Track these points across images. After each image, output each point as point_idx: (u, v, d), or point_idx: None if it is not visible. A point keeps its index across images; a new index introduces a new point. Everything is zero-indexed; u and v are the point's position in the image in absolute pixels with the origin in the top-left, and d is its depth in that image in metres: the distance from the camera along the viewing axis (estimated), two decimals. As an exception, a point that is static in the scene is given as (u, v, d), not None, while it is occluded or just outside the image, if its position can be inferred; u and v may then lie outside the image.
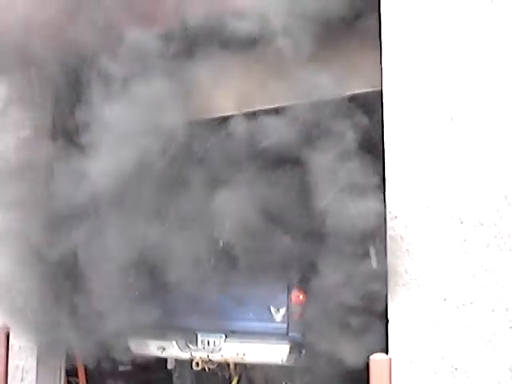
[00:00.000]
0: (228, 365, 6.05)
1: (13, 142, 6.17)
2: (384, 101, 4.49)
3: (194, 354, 5.58)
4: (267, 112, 5.15)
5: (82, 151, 5.16)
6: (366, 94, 4.86)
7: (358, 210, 4.41)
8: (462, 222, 4.09)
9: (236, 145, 5.02)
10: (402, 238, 4.28)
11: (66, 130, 5.73)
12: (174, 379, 6.48)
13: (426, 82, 4.36)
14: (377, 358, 3.85)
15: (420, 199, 4.25)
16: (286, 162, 5.18)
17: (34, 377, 6.07)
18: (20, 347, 6.06)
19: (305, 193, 4.82)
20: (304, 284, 5.32)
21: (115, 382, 6.90)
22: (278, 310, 5.30)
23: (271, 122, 4.87)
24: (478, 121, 4.15)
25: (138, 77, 5.01)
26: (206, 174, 5.20)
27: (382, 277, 4.36)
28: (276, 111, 5.07)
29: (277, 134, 4.74)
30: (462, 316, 3.99)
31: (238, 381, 6.49)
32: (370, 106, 4.62)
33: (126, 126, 4.92)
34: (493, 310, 3.90)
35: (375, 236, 4.54)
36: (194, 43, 5.10)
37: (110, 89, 4.98)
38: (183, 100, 5.16)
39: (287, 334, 5.26)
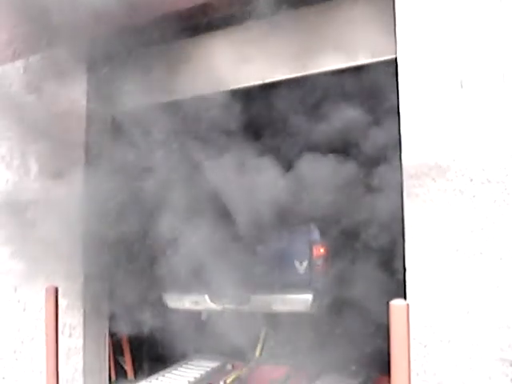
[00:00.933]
0: (255, 316, 6.57)
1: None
2: (399, 68, 4.82)
3: (225, 306, 6.04)
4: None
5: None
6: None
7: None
8: (471, 180, 4.46)
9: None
10: (416, 196, 4.67)
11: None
12: (208, 329, 6.97)
13: (438, 48, 4.68)
14: (396, 304, 4.25)
15: (432, 158, 4.62)
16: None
17: (82, 332, 6.56)
18: (68, 305, 6.53)
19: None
20: (324, 239, 5.76)
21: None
22: (302, 263, 5.72)
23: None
24: (487, 84, 4.47)
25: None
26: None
27: (399, 231, 4.78)
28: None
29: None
30: (473, 265, 4.41)
31: (267, 330, 7.01)
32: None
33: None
34: (500, 259, 4.30)
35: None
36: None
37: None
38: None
39: (310, 284, 5.69)
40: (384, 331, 6.51)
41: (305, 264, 5.67)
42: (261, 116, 6.23)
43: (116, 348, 7.26)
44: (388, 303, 4.30)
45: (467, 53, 4.57)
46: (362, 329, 6.26)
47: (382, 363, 6.17)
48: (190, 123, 5.94)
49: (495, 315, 4.31)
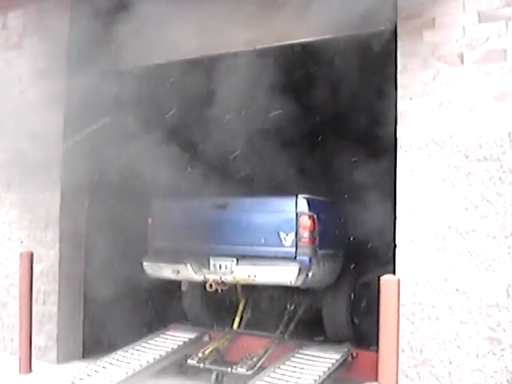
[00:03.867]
0: (235, 288, 6.55)
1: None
2: (398, 39, 4.77)
3: (207, 276, 6.00)
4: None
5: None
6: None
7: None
8: (467, 157, 4.48)
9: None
10: (411, 171, 4.66)
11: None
12: (187, 301, 6.95)
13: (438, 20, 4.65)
14: (386, 279, 4.28)
15: (428, 135, 4.62)
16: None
17: (56, 299, 6.47)
18: (42, 271, 6.42)
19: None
20: (311, 210, 5.73)
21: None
22: (287, 234, 5.70)
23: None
24: (488, 59, 4.46)
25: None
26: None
27: (390, 204, 4.79)
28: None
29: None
30: (465, 242, 4.44)
31: (245, 302, 7.00)
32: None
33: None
34: (493, 237, 4.34)
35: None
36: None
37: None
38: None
39: (295, 257, 5.68)
40: (367, 307, 6.66)
41: (290, 236, 5.65)
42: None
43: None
44: (379, 278, 4.35)
45: (469, 26, 4.54)
46: (344, 303, 6.31)
47: (364, 337, 6.34)
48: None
49: (485, 294, 4.36)
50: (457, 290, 4.45)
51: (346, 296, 6.31)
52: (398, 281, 4.26)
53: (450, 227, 4.50)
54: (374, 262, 6.13)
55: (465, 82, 4.51)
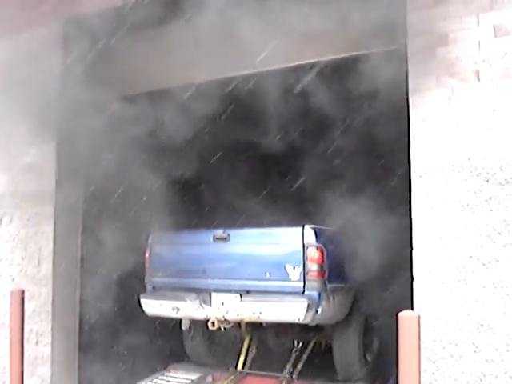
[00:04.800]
0: (239, 325, 6.20)
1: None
2: (409, 56, 4.53)
3: (209, 314, 5.66)
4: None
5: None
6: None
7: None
8: (487, 180, 4.19)
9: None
10: (427, 197, 4.36)
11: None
12: (188, 340, 6.60)
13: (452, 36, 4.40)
14: (405, 315, 3.94)
15: (445, 157, 4.33)
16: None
17: (50, 340, 6.13)
18: (34, 310, 6.09)
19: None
20: (319, 241, 5.42)
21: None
22: (294, 268, 5.38)
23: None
24: (504, 78, 4.20)
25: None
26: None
27: (407, 233, 4.48)
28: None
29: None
30: (488, 273, 4.12)
31: (250, 340, 6.65)
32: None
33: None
34: (519, 267, 4.02)
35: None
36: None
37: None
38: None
39: (303, 292, 5.35)
40: (380, 343, 6.33)
41: (298, 270, 5.33)
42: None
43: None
44: (397, 314, 4.01)
45: (484, 41, 4.29)
46: (356, 340, 5.96)
47: (377, 376, 6.00)
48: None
49: (511, 328, 4.02)
50: (481, 325, 4.12)
51: (357, 332, 5.96)
52: (418, 317, 3.91)
53: (471, 257, 4.18)
54: (387, 295, 5.81)
55: (482, 101, 4.25)
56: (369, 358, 6.11)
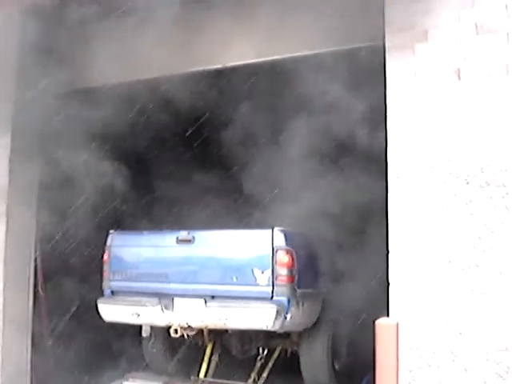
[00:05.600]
0: (202, 331, 5.97)
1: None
2: (387, 54, 4.40)
3: (171, 320, 5.42)
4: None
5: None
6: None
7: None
8: (467, 183, 4.08)
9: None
10: (404, 199, 4.23)
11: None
12: (149, 347, 6.33)
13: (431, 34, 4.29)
14: (382, 323, 3.83)
15: (424, 158, 4.21)
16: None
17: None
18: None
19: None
20: (289, 244, 5.25)
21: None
22: (263, 272, 5.19)
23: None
24: (486, 77, 4.10)
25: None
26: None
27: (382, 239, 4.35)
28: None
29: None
30: (468, 279, 4.01)
31: (213, 347, 6.43)
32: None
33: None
34: (500, 273, 3.92)
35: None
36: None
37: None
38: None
39: (272, 298, 5.16)
40: (349, 351, 6.19)
41: (266, 274, 5.14)
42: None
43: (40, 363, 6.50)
44: (374, 322, 3.88)
45: (465, 38, 4.19)
46: (324, 347, 5.80)
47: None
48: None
49: (492, 337, 3.92)
50: (460, 333, 4.00)
51: (325, 339, 5.80)
52: (397, 325, 3.80)
53: (450, 262, 4.07)
54: (357, 301, 5.67)
55: (463, 100, 4.14)
56: (337, 366, 5.95)
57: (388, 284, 4.23)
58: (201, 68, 5.69)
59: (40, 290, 6.54)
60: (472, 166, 4.07)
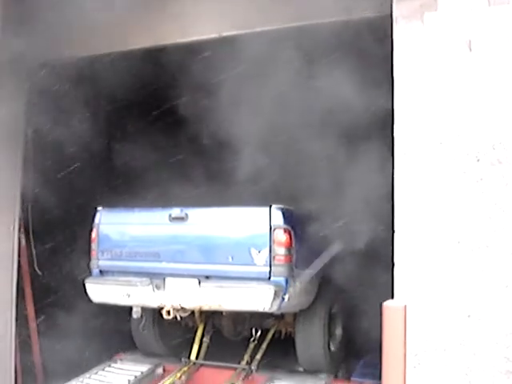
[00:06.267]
0: (193, 313, 5.83)
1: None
2: (394, 23, 4.22)
3: (163, 301, 5.27)
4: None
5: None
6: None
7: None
8: (478, 160, 3.95)
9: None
10: (411, 177, 4.09)
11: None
12: (139, 329, 6.17)
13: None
14: (390, 305, 3.71)
15: (432, 134, 4.07)
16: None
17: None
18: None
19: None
20: (287, 223, 5.10)
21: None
22: (259, 252, 5.04)
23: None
24: (498, 51, 3.95)
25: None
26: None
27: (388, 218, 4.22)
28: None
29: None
30: (477, 260, 3.90)
31: (204, 328, 6.31)
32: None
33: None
34: (511, 254, 3.80)
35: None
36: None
37: None
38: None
39: (269, 278, 5.02)
40: (345, 332, 6.11)
41: (263, 253, 4.99)
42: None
43: (24, 346, 6.32)
44: (381, 304, 3.76)
45: (477, 8, 4.03)
46: (320, 328, 5.70)
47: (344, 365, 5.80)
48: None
49: (501, 319, 3.82)
50: (468, 316, 3.90)
51: (321, 320, 5.69)
52: (404, 308, 3.67)
53: (459, 242, 3.95)
54: (355, 281, 5.57)
55: (474, 73, 3.99)
56: (332, 347, 5.86)
57: (393, 265, 4.11)
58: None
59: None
60: (483, 143, 3.93)
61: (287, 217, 5.08)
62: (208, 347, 6.23)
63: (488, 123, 3.93)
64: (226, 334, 6.29)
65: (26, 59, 5.64)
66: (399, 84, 4.18)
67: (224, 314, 5.91)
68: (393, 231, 4.13)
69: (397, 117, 4.17)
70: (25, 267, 6.39)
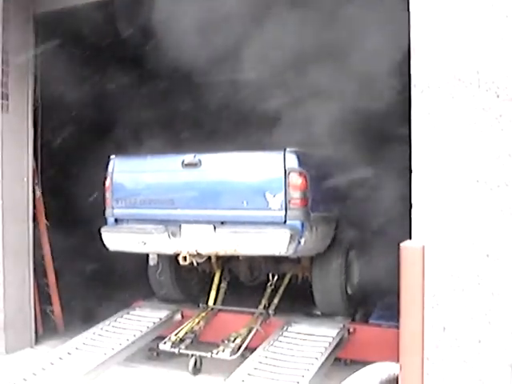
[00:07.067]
0: (209, 259, 5.86)
1: None
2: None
3: (179, 247, 5.28)
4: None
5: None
6: None
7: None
8: (498, 96, 3.82)
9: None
10: (429, 114, 4.00)
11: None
12: (156, 276, 6.23)
13: None
14: (408, 246, 3.67)
15: (450, 70, 3.94)
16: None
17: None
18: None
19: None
20: (302, 166, 5.05)
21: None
22: (274, 196, 5.01)
23: None
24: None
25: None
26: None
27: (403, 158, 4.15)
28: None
29: None
30: (496, 199, 3.82)
31: (221, 274, 6.35)
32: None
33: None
34: (531, 192, 3.74)
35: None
36: None
37: None
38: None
39: (285, 222, 5.00)
40: (362, 275, 6.11)
41: (278, 197, 4.95)
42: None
43: (42, 296, 6.42)
44: (398, 245, 3.73)
45: None
46: (337, 272, 5.71)
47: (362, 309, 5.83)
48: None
49: (521, 259, 3.77)
50: (487, 255, 3.85)
51: (338, 264, 5.70)
52: (423, 248, 3.64)
53: (478, 181, 3.87)
54: (371, 223, 5.54)
55: (493, 4, 3.84)
56: (350, 290, 5.88)
57: (411, 205, 4.06)
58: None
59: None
60: (503, 78, 3.80)
61: (301, 160, 5.02)
62: (225, 293, 6.30)
63: (508, 58, 3.78)
64: (242, 279, 6.34)
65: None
66: (415, 19, 4.04)
67: (240, 259, 5.94)
68: (410, 171, 4.07)
69: (413, 52, 4.03)
70: (41, 218, 6.45)
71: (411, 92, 4.05)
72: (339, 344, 5.22)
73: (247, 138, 5.92)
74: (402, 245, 3.65)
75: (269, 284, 6.08)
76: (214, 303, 6.17)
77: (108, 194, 5.74)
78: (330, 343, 5.09)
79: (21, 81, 6.17)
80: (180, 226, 5.36)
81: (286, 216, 4.99)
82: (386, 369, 4.27)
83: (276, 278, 6.10)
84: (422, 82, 4.01)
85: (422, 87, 4.01)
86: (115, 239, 5.58)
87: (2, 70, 5.86)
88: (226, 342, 5.35)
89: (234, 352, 5.19)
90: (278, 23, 5.50)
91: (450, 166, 3.95)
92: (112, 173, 5.71)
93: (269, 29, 5.61)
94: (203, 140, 6.50)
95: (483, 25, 3.86)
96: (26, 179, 6.13)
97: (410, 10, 4.05)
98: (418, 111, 4.02)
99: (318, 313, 5.92)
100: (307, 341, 5.20)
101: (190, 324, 5.83)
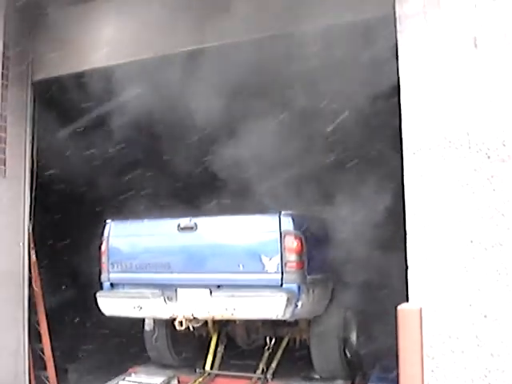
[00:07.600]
0: (206, 323, 5.81)
1: None
2: (397, 23, 4.21)
3: (175, 312, 5.24)
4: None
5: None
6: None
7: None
8: (488, 157, 3.92)
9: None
10: (421, 176, 4.06)
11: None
12: (152, 341, 6.16)
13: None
14: (405, 308, 3.65)
15: (441, 132, 4.04)
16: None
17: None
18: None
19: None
20: (298, 229, 5.06)
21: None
22: (271, 259, 5.01)
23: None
24: (504, 47, 3.93)
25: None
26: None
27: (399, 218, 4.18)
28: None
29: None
30: (491, 259, 3.86)
31: (218, 338, 6.28)
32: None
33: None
34: (526, 252, 3.76)
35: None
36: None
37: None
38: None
39: (281, 285, 4.99)
40: (361, 338, 6.06)
41: (275, 260, 4.96)
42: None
43: (37, 361, 6.32)
44: (395, 308, 3.71)
45: (481, 3, 4.00)
46: (335, 334, 5.65)
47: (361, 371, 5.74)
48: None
49: (519, 319, 3.77)
50: (484, 316, 3.86)
51: (337, 326, 5.64)
52: (420, 310, 3.62)
53: (472, 241, 3.91)
54: (369, 285, 5.52)
55: (481, 69, 3.97)
56: (348, 353, 5.80)
57: (407, 267, 4.08)
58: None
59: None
60: (493, 140, 3.90)
61: (297, 222, 5.05)
62: (222, 357, 6.20)
63: (497, 119, 3.91)
64: (239, 343, 6.26)
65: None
66: (405, 84, 4.16)
67: (237, 322, 5.89)
68: (405, 233, 4.10)
69: (404, 117, 4.15)
70: (36, 282, 6.42)
71: (403, 154, 4.13)
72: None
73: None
74: (399, 307, 3.63)
75: (266, 347, 6.00)
76: (211, 368, 6.07)
77: (104, 259, 5.72)
78: (330, 408, 5.01)
79: (18, 146, 6.27)
80: (176, 290, 5.33)
81: (282, 279, 4.97)
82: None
83: (273, 341, 6.03)
84: (413, 144, 4.11)
85: (413, 149, 4.11)
86: (111, 304, 5.53)
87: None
88: (225, 408, 5.25)
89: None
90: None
91: (444, 227, 4.00)
92: (108, 237, 5.71)
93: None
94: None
95: (471, 89, 3.98)
96: (22, 244, 6.14)
97: (400, 74, 4.19)
98: (411, 173, 4.10)
99: (317, 376, 5.82)
100: (306, 406, 5.11)
101: (187, 389, 5.74)
